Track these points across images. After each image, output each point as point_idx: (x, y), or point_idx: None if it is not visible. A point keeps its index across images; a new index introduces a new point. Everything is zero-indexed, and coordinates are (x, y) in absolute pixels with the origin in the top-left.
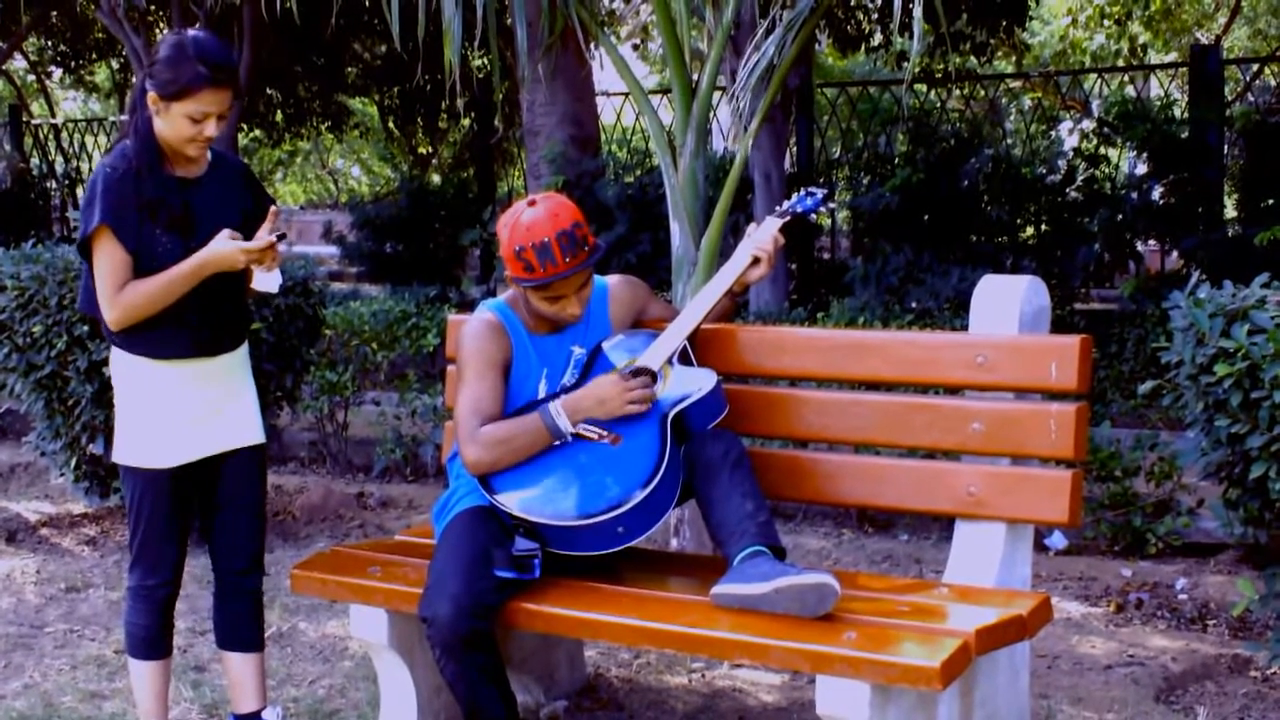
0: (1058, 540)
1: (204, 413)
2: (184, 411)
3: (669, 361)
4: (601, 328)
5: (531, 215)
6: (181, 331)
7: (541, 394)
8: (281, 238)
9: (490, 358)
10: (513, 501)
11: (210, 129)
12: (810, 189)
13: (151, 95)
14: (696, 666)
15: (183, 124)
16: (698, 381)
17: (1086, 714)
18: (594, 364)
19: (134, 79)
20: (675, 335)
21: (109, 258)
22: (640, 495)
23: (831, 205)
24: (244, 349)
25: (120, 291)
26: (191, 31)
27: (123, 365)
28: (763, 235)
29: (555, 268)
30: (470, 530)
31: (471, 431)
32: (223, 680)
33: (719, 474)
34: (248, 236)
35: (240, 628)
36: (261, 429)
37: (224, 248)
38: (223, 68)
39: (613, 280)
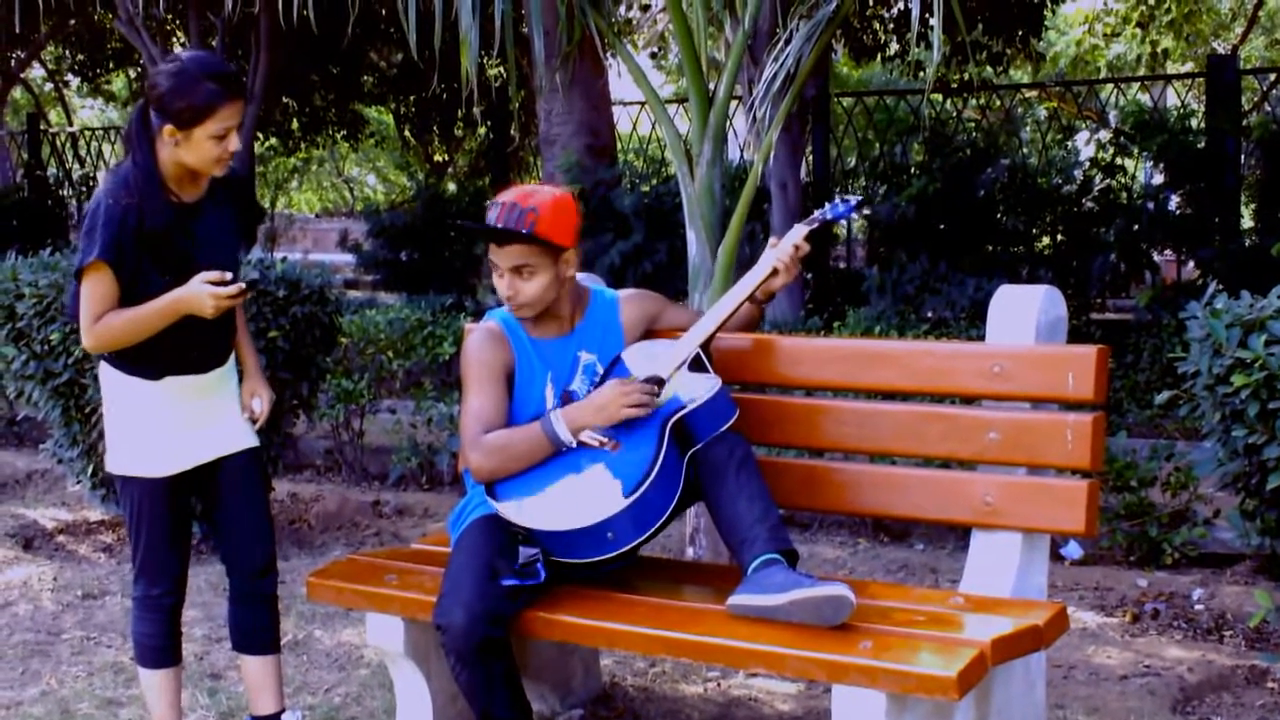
0: (1074, 550)
1: (195, 422)
2: (175, 422)
3: (679, 369)
4: (614, 338)
5: (529, 187)
6: (170, 352)
7: (548, 397)
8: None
9: (491, 367)
10: (512, 509)
11: (234, 143)
12: (845, 196)
13: (168, 129)
14: (712, 675)
15: (208, 146)
16: (701, 386)
17: None
18: (610, 374)
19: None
20: (688, 343)
21: (98, 288)
22: (626, 501)
23: (866, 211)
24: (231, 361)
25: (98, 321)
26: (185, 53)
27: (112, 379)
28: (784, 244)
29: (486, 225)
30: (484, 538)
31: (474, 439)
32: (239, 687)
33: (725, 475)
34: (238, 262)
35: (257, 630)
36: (253, 432)
37: (196, 292)
38: (232, 79)
39: (624, 293)
